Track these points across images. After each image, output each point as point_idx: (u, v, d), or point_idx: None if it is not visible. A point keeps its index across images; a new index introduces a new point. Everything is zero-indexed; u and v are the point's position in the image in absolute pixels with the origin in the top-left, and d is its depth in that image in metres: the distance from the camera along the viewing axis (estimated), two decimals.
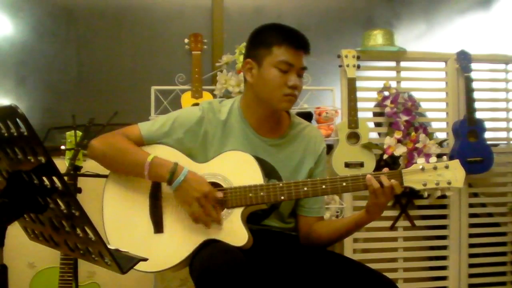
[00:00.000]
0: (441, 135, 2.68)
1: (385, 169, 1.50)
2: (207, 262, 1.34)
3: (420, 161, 1.50)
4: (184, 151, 1.58)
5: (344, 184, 1.49)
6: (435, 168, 1.47)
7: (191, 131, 1.58)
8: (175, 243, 1.50)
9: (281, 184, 1.50)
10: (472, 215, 2.61)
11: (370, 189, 1.45)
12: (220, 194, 1.48)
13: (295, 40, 1.52)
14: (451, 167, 1.46)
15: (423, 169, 1.47)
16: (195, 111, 1.61)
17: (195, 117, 1.59)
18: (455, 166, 1.47)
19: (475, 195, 2.65)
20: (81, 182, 2.09)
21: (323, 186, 1.49)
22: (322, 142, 1.70)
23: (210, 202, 1.46)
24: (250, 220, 1.56)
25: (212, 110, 1.61)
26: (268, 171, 1.59)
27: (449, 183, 1.46)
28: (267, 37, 1.54)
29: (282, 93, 1.52)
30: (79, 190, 2.06)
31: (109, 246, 0.92)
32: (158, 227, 1.53)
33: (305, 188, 1.49)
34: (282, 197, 1.50)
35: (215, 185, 1.53)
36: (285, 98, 1.52)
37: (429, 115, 2.69)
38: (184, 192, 1.47)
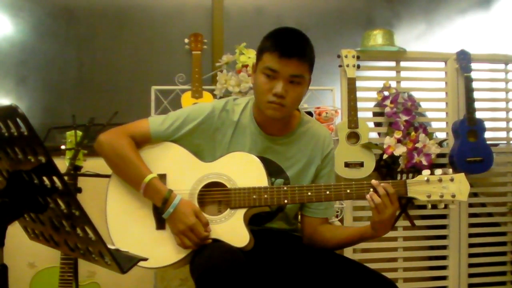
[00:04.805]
0: (441, 135, 2.69)
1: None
2: (208, 261, 1.34)
3: (425, 172, 1.49)
4: (192, 148, 1.59)
5: (348, 191, 1.49)
6: (440, 180, 1.46)
7: (201, 126, 1.59)
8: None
9: (285, 188, 1.50)
10: (472, 215, 2.62)
11: (371, 205, 1.44)
12: (205, 232, 1.46)
13: (282, 47, 1.46)
14: (456, 180, 1.46)
15: (428, 180, 1.46)
16: (206, 107, 1.62)
17: (205, 113, 1.60)
18: (460, 179, 1.46)
19: (475, 195, 2.65)
20: (81, 182, 2.10)
21: (327, 192, 1.50)
22: (331, 143, 1.69)
23: (196, 233, 1.45)
24: (255, 222, 1.56)
25: (226, 109, 1.62)
26: (275, 170, 1.59)
27: (453, 196, 1.45)
28: (263, 43, 1.54)
29: (266, 100, 1.50)
30: (79, 190, 2.06)
31: (109, 246, 0.92)
32: (161, 223, 1.53)
33: (309, 193, 1.50)
34: (286, 201, 1.50)
35: (220, 185, 1.54)
36: (269, 105, 1.50)
37: (429, 115, 2.70)
38: (172, 223, 1.48)
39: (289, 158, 1.62)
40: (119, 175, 1.59)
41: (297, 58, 1.47)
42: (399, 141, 2.42)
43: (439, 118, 2.68)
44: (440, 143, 2.58)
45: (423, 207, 2.52)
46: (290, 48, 1.47)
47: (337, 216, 2.42)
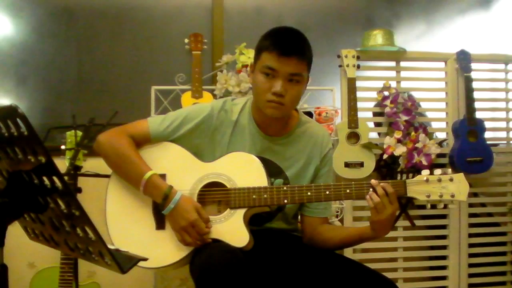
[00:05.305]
0: (441, 135, 2.69)
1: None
2: (207, 261, 1.34)
3: (425, 172, 1.49)
4: (191, 148, 1.59)
5: (347, 191, 1.49)
6: (439, 180, 1.46)
7: (200, 126, 1.59)
8: (176, 241, 1.50)
9: (285, 188, 1.50)
10: (472, 215, 2.62)
11: (370, 205, 1.44)
12: (206, 229, 1.46)
13: (280, 46, 1.46)
14: (455, 180, 1.45)
15: (427, 180, 1.46)
16: (205, 107, 1.62)
17: (205, 113, 1.60)
18: (460, 179, 1.46)
19: (475, 195, 2.65)
20: (81, 182, 2.10)
21: (327, 192, 1.50)
22: (329, 143, 1.69)
23: (197, 229, 1.45)
24: (254, 222, 1.56)
25: (225, 109, 1.62)
26: (274, 171, 1.59)
27: (452, 196, 1.45)
28: (261, 42, 1.53)
29: (266, 99, 1.50)
30: (79, 190, 2.06)
31: (109, 246, 0.92)
32: (160, 223, 1.53)
33: (309, 193, 1.50)
34: (285, 201, 1.50)
35: (219, 185, 1.54)
36: (268, 104, 1.50)
37: (429, 115, 2.70)
38: (173, 220, 1.48)
39: (288, 158, 1.63)
40: (118, 174, 1.59)
41: (296, 56, 1.47)
42: (399, 141, 2.42)
43: (439, 118, 2.68)
44: (440, 143, 2.58)
45: (423, 207, 2.51)
46: (289, 47, 1.47)
47: (337, 216, 2.42)
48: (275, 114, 1.52)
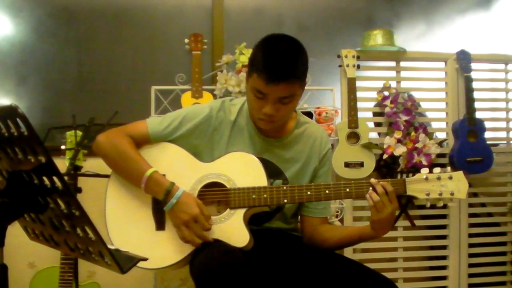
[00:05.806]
0: (441, 135, 2.69)
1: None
2: (207, 262, 1.34)
3: (424, 170, 1.49)
4: (190, 148, 1.59)
5: (347, 190, 1.49)
6: (438, 178, 1.46)
7: (200, 126, 1.59)
8: (176, 241, 1.50)
9: (284, 187, 1.51)
10: (472, 215, 2.62)
11: (370, 204, 1.44)
12: (208, 225, 1.46)
13: (268, 72, 1.40)
14: (454, 178, 1.46)
15: (426, 178, 1.47)
16: (204, 108, 1.62)
17: (204, 113, 1.60)
18: (459, 177, 1.46)
19: (475, 195, 2.65)
20: (81, 181, 2.10)
21: (327, 191, 1.50)
22: (328, 143, 1.69)
23: (200, 224, 1.44)
24: (254, 222, 1.56)
25: (223, 109, 1.62)
26: (274, 172, 1.59)
27: (452, 194, 1.46)
28: (255, 57, 1.48)
29: (257, 116, 1.51)
30: (79, 190, 2.06)
31: (109, 246, 0.92)
32: (160, 224, 1.53)
33: (308, 192, 1.50)
34: (285, 200, 1.50)
35: (219, 185, 1.54)
36: (261, 122, 1.52)
37: (429, 115, 2.70)
38: (174, 215, 1.47)
39: (287, 159, 1.63)
40: (118, 173, 1.59)
41: (285, 82, 1.42)
42: (399, 141, 2.42)
43: (439, 118, 2.68)
44: (440, 143, 2.58)
45: (423, 207, 2.53)
46: (278, 73, 1.41)
47: (337, 216, 2.42)
48: (267, 127, 1.54)
